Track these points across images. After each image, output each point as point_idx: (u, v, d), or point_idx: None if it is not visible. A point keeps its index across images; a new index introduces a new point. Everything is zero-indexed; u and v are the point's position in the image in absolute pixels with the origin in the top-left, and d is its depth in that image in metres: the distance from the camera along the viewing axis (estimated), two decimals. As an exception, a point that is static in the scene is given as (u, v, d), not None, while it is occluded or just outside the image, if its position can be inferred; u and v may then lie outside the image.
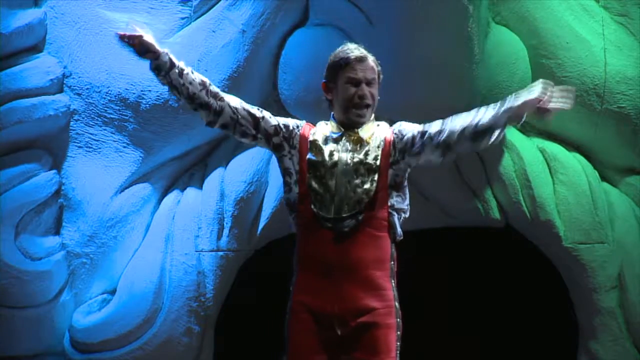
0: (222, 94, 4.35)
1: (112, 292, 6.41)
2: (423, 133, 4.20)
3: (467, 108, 5.95)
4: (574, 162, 6.49)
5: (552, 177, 6.44)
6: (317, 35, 6.10)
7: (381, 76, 4.32)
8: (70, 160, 6.40)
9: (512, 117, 4.12)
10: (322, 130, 4.28)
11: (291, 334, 4.22)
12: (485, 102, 6.04)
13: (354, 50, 4.34)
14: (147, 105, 6.27)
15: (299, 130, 4.29)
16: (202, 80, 4.32)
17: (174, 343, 6.27)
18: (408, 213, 4.29)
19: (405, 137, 4.22)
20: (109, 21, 6.32)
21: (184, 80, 4.28)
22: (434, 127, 4.20)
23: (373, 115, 4.29)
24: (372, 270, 4.15)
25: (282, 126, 4.28)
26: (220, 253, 6.29)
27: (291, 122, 4.31)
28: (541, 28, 6.38)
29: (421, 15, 5.72)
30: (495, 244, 6.58)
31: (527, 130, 6.54)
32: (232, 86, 6.25)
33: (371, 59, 4.32)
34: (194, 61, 6.24)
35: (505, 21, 6.35)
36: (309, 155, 4.22)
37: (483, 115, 4.17)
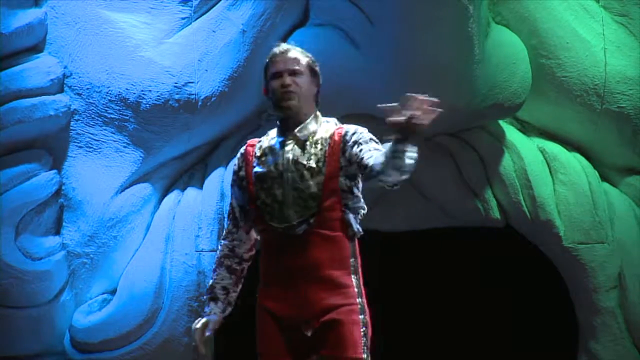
0: (236, 254, 4.36)
1: (113, 292, 6.41)
2: (361, 160, 4.06)
3: (467, 108, 6.00)
4: (574, 162, 6.49)
5: (552, 177, 6.44)
6: (317, 35, 6.10)
7: (316, 68, 4.22)
8: (70, 160, 6.39)
9: (396, 142, 3.89)
10: (269, 139, 4.23)
11: (258, 341, 4.25)
12: (485, 102, 6.08)
13: (276, 46, 4.30)
14: (147, 105, 6.27)
15: (243, 162, 4.24)
16: (226, 266, 4.37)
17: (174, 343, 6.27)
18: (366, 209, 4.20)
19: (353, 151, 4.09)
20: (109, 21, 6.32)
21: (231, 294, 4.41)
22: (368, 157, 4.04)
23: (315, 113, 4.19)
24: (330, 270, 4.11)
25: (239, 202, 4.26)
26: (221, 253, 6.29)
27: (235, 164, 4.27)
28: (541, 28, 6.39)
29: (421, 15, 5.72)
30: (495, 244, 6.58)
31: (527, 130, 6.55)
32: (232, 86, 6.26)
33: (297, 51, 4.25)
34: (194, 61, 6.24)
35: (506, 21, 6.35)
36: (254, 169, 4.18)
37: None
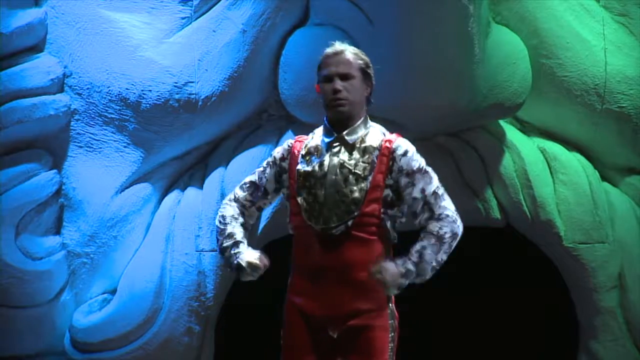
0: (243, 205, 4.35)
1: (113, 292, 6.41)
2: (409, 208, 4.18)
3: (468, 108, 6.00)
4: (574, 162, 6.49)
5: (553, 177, 6.44)
6: (317, 35, 6.10)
7: (369, 70, 4.19)
8: (70, 160, 6.39)
9: None
10: (317, 137, 4.23)
11: (284, 335, 4.24)
12: (485, 102, 6.08)
13: (331, 46, 4.20)
14: (148, 105, 6.27)
15: (286, 157, 4.26)
16: (240, 222, 4.34)
17: (175, 343, 6.27)
18: (405, 218, 4.24)
19: (402, 183, 4.15)
20: (110, 21, 6.32)
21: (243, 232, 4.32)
22: (421, 211, 4.17)
23: (365, 116, 4.20)
24: (362, 273, 4.12)
25: (278, 173, 4.28)
26: (221, 253, 6.29)
27: (278, 154, 4.29)
28: (542, 28, 6.38)
29: (421, 15, 5.72)
30: (495, 244, 6.58)
31: (527, 130, 6.55)
32: (232, 86, 6.25)
33: (349, 52, 4.16)
34: (194, 61, 6.24)
35: (506, 21, 6.35)
36: (298, 166, 4.18)
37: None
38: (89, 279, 6.39)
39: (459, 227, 4.26)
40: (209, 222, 6.29)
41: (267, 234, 6.33)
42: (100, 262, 6.38)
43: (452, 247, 4.21)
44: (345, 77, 4.13)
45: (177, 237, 6.32)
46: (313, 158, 4.18)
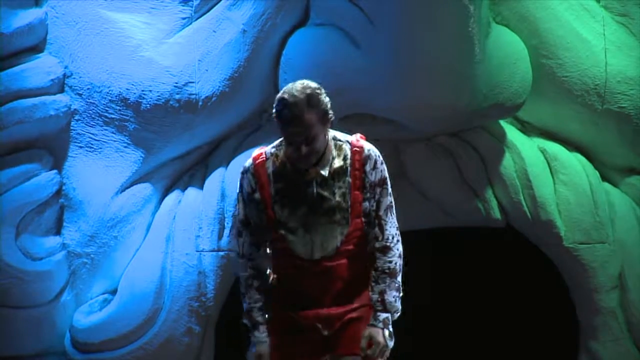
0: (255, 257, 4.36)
1: (113, 292, 6.41)
2: (369, 223, 4.20)
3: (468, 108, 5.99)
4: (574, 162, 6.49)
5: (553, 177, 6.44)
6: (318, 35, 6.10)
7: (327, 110, 4.14)
8: (71, 160, 6.39)
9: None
10: (279, 159, 4.21)
11: (272, 331, 4.25)
12: (485, 102, 6.07)
13: (285, 107, 4.13)
14: (148, 105, 6.27)
15: (256, 185, 4.23)
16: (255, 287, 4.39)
17: (175, 343, 6.27)
18: None
19: (371, 203, 4.18)
20: (110, 21, 6.32)
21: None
22: (377, 230, 4.19)
23: (327, 138, 4.18)
24: (352, 287, 4.17)
25: (256, 207, 4.25)
26: (221, 253, 6.29)
27: (245, 187, 4.27)
28: (542, 28, 6.38)
29: (422, 15, 5.72)
30: (495, 244, 6.57)
31: (527, 130, 6.54)
32: (232, 86, 6.25)
33: (306, 110, 4.08)
34: (194, 61, 6.24)
35: (506, 21, 6.35)
36: (273, 196, 4.17)
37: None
38: (89, 279, 6.39)
39: (400, 248, 4.28)
40: (209, 222, 6.29)
41: (268, 234, 6.33)
42: (101, 262, 6.38)
43: (402, 266, 4.25)
44: (308, 140, 4.10)
45: (178, 237, 6.32)
46: (288, 187, 4.18)
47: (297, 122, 4.07)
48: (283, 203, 4.14)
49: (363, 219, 4.15)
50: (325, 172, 4.15)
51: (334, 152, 4.20)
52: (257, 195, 4.21)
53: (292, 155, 4.14)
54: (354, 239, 4.14)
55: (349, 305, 4.15)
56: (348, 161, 4.17)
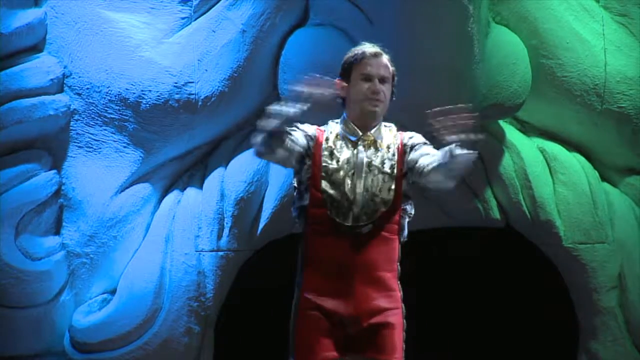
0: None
1: (112, 292, 6.41)
2: (416, 162, 4.24)
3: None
4: (574, 162, 6.49)
5: (552, 177, 6.44)
6: (317, 35, 6.10)
7: (396, 77, 4.35)
8: (70, 160, 6.39)
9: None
10: (335, 133, 4.29)
11: (299, 332, 4.23)
12: (485, 102, 6.07)
13: (369, 47, 4.34)
14: (147, 105, 6.27)
15: (312, 140, 4.28)
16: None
17: (174, 343, 6.27)
18: (413, 212, 4.34)
19: (410, 157, 4.27)
20: (110, 21, 6.32)
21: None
22: (423, 161, 4.22)
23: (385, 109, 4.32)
24: (383, 271, 4.20)
25: (308, 141, 4.26)
26: (221, 253, 6.29)
27: (309, 131, 4.29)
28: (541, 28, 6.39)
29: (421, 15, 5.72)
30: (495, 244, 6.58)
31: (527, 130, 6.55)
32: (232, 86, 6.25)
33: (385, 57, 4.33)
34: (193, 61, 6.24)
35: (506, 21, 6.35)
36: (324, 162, 4.23)
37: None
38: (88, 279, 6.39)
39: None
40: (208, 222, 6.29)
41: (267, 234, 6.33)
42: (100, 262, 6.38)
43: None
44: (383, 80, 4.29)
45: (177, 237, 6.32)
46: (338, 154, 4.24)
47: (377, 58, 4.28)
48: (333, 170, 4.20)
49: (402, 206, 4.23)
50: (377, 139, 4.26)
51: (385, 130, 4.34)
52: (312, 144, 4.26)
53: (365, 90, 4.25)
54: (392, 224, 4.19)
55: (377, 302, 4.17)
56: (397, 138, 4.31)
